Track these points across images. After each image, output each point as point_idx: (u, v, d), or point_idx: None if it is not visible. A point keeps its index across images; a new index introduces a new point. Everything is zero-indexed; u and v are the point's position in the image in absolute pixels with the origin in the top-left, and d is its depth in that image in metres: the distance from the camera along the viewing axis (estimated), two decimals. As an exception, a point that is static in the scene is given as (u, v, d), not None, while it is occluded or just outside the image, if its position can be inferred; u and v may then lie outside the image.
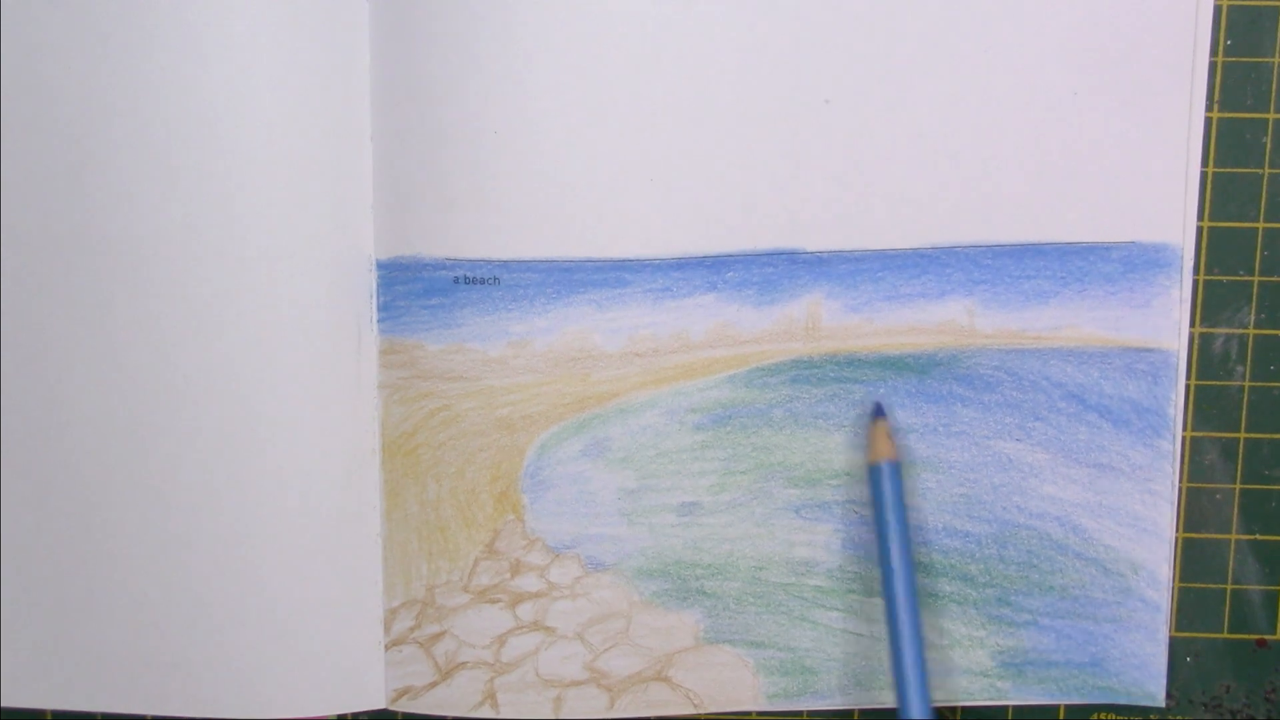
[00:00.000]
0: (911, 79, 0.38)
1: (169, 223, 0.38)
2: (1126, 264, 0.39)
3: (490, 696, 0.41)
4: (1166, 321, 0.39)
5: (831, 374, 0.40)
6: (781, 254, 0.39)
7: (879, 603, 0.40)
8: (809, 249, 0.39)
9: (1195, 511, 0.41)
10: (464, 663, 0.41)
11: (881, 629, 0.41)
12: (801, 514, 0.40)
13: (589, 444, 0.40)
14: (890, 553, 0.38)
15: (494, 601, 0.41)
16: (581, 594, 0.41)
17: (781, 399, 0.40)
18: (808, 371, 0.40)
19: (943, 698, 0.41)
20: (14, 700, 0.41)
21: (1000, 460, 0.40)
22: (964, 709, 0.41)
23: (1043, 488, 0.40)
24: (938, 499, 0.40)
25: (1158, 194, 0.39)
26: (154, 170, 0.38)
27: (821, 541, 0.40)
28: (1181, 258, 0.39)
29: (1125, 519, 0.40)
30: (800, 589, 0.41)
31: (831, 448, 0.40)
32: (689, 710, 0.41)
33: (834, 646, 0.41)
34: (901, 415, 0.40)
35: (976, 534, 0.40)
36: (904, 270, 0.39)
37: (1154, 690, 0.41)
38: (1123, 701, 0.41)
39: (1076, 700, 0.41)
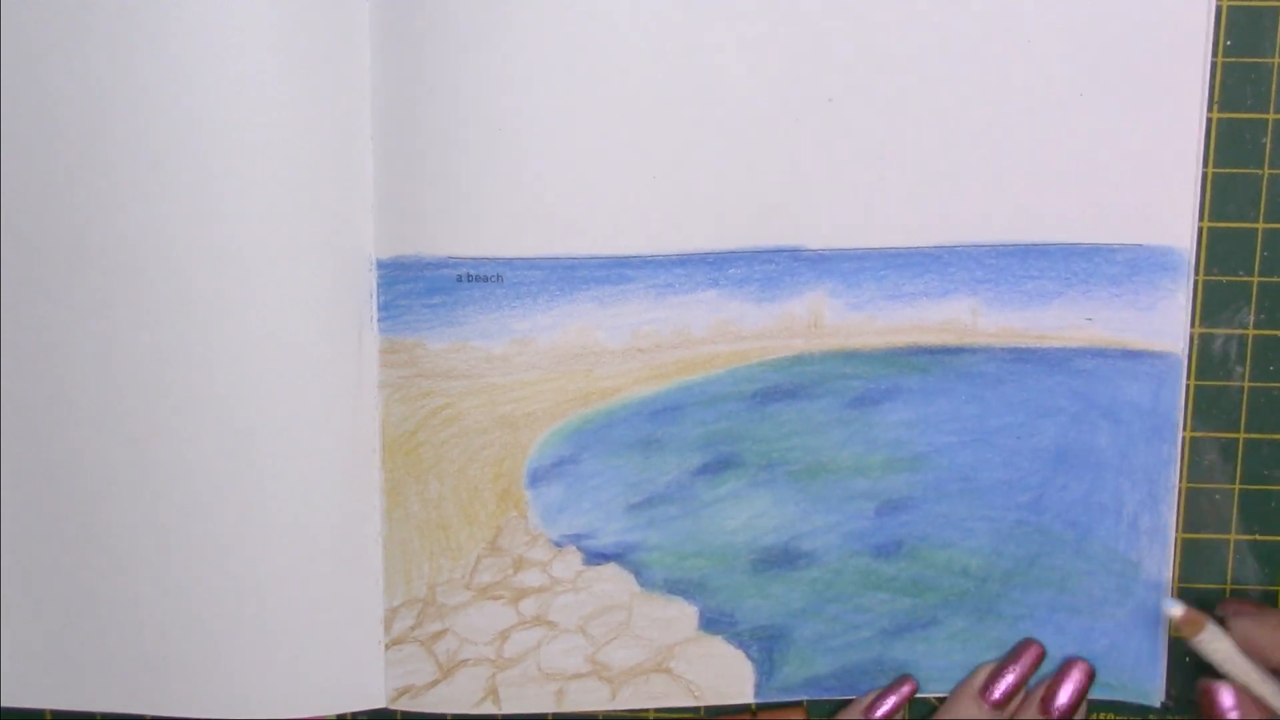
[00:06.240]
0: (915, 78, 0.38)
1: (168, 223, 0.38)
2: (1132, 266, 0.39)
3: (492, 692, 0.41)
4: (1172, 325, 0.39)
5: (834, 370, 0.40)
6: (783, 251, 0.39)
7: (879, 596, 0.41)
8: (811, 247, 0.39)
9: (1195, 511, 0.41)
10: (465, 660, 0.41)
11: (880, 621, 0.41)
12: (801, 507, 0.40)
13: (591, 439, 0.40)
14: None
15: (496, 598, 0.41)
16: (583, 587, 0.41)
17: (783, 394, 0.40)
18: (809, 368, 0.40)
19: (939, 689, 0.41)
20: (14, 700, 0.41)
21: (1003, 457, 0.40)
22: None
23: (1044, 486, 0.40)
24: (938, 493, 0.40)
25: (1164, 197, 0.38)
26: (153, 170, 0.37)
27: (821, 535, 0.41)
28: (1188, 261, 0.39)
29: (1127, 521, 0.40)
30: (800, 581, 0.41)
31: (832, 442, 0.40)
32: (689, 701, 0.41)
33: (834, 638, 0.41)
34: (904, 411, 0.40)
35: (976, 529, 0.40)
36: (907, 269, 0.39)
37: (1151, 690, 0.41)
38: (1119, 699, 0.41)
39: None
